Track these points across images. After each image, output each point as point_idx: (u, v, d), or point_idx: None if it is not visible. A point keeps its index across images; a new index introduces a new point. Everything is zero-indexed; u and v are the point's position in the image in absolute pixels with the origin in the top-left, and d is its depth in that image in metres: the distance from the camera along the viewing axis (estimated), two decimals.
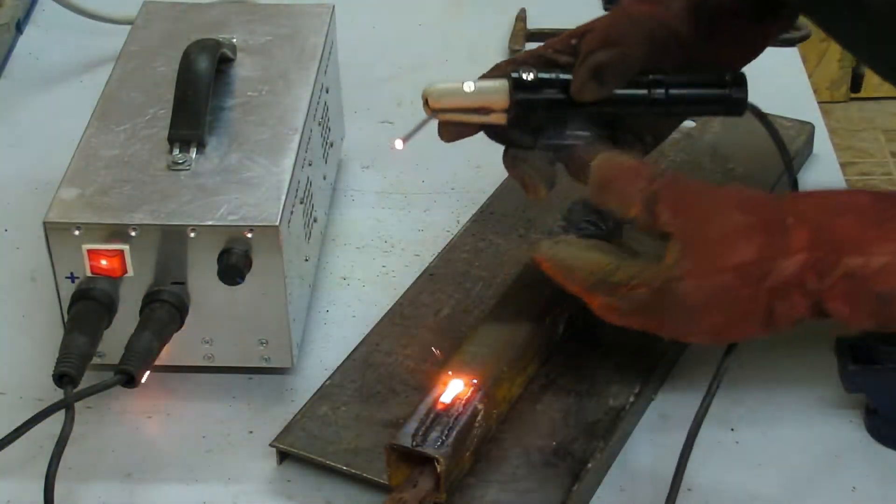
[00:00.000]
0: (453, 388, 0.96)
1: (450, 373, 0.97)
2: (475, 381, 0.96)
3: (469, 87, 1.03)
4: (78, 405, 0.99)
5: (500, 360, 0.98)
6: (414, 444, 0.91)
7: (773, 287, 0.84)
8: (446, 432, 0.92)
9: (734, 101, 1.02)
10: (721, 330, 0.88)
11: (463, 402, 0.95)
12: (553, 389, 1.03)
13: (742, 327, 0.87)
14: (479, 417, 0.94)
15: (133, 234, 1.00)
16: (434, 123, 1.05)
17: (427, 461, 0.92)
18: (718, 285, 0.84)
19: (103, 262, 1.00)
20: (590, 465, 0.97)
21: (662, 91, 1.02)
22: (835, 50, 3.04)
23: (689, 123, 1.29)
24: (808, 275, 0.84)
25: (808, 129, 1.29)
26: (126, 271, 1.01)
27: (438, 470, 0.90)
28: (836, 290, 0.85)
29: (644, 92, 1.02)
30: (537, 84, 1.02)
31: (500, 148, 1.26)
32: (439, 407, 0.94)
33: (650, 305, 0.87)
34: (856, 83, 3.11)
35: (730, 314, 0.85)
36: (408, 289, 1.13)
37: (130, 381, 0.99)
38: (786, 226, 0.85)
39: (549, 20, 1.51)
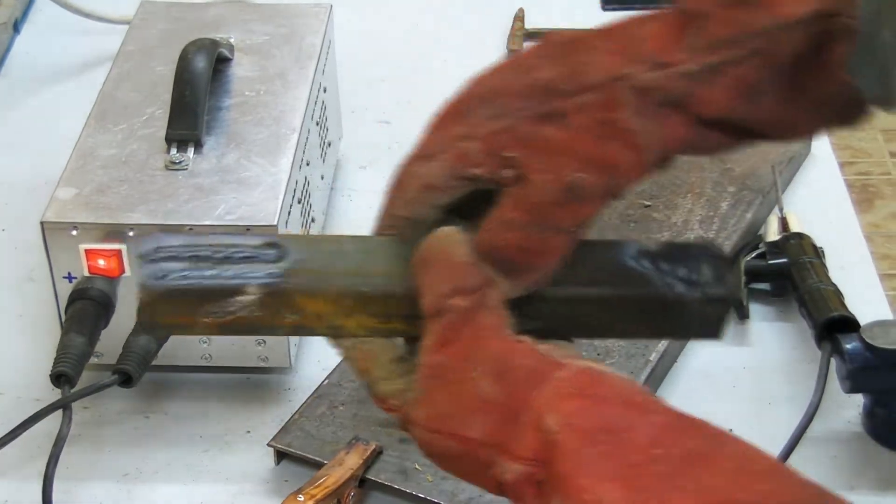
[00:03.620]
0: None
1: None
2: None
3: None
4: (75, 405, 0.99)
5: (340, 276, 0.74)
6: (142, 256, 0.72)
7: (498, 479, 0.69)
8: (188, 275, 0.72)
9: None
10: (460, 476, 0.74)
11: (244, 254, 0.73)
12: None
13: (479, 485, 0.72)
14: (244, 300, 0.72)
15: (130, 233, 1.00)
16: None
17: None
18: (445, 448, 0.70)
19: (101, 261, 1.00)
20: None
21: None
22: None
23: None
24: (526, 489, 0.68)
25: None
26: (123, 271, 1.01)
27: (138, 300, 0.71)
28: None
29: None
30: None
31: None
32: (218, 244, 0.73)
33: (399, 422, 0.74)
34: None
35: (461, 473, 0.73)
36: None
37: (128, 380, 0.99)
38: (518, 423, 0.68)
39: (547, 20, 1.50)
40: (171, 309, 0.71)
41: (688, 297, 0.73)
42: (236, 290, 0.71)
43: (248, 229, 0.99)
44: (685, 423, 0.66)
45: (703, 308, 0.73)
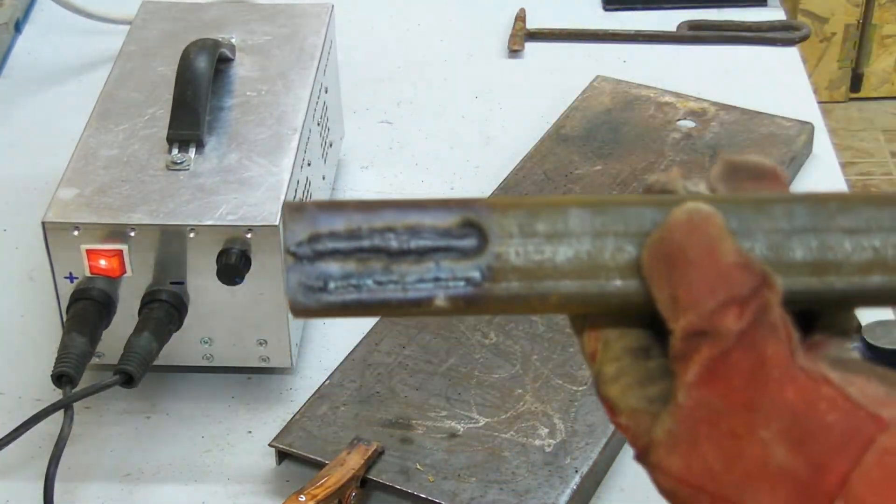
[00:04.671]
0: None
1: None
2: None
3: None
4: (77, 405, 0.99)
5: (563, 278, 0.56)
6: (293, 252, 0.54)
7: None
8: (357, 283, 0.54)
9: None
10: None
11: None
12: (553, 388, 1.03)
13: None
14: (430, 309, 0.55)
15: (132, 234, 1.00)
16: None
17: None
18: None
19: (102, 262, 1.00)
20: (589, 466, 0.97)
21: None
22: (834, 50, 3.04)
23: (688, 123, 1.29)
24: None
25: (808, 129, 1.29)
26: (125, 271, 1.01)
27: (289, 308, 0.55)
28: None
29: None
30: None
31: (500, 148, 1.27)
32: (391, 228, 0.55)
33: (633, 446, 0.58)
34: (855, 83, 3.11)
35: None
36: None
37: (129, 381, 0.99)
38: None
39: (548, 20, 1.50)
40: (335, 316, 0.55)
41: None
42: (419, 304, 0.54)
43: (249, 230, 0.99)
44: None
45: None
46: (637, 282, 0.54)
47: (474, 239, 0.54)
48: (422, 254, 0.54)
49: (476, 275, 0.54)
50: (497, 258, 0.54)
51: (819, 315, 0.56)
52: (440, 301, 0.54)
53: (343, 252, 0.53)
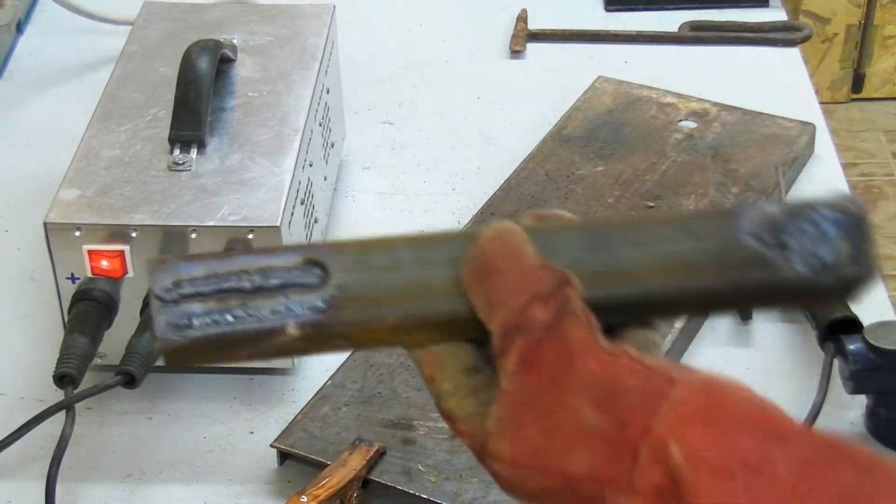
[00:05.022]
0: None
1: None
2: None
3: None
4: (78, 406, 0.99)
5: (397, 302, 0.64)
6: (159, 296, 0.61)
7: None
8: (217, 319, 0.61)
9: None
10: None
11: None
12: None
13: None
14: (284, 339, 0.62)
15: (134, 234, 1.00)
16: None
17: None
18: (536, 485, 0.62)
19: (104, 262, 1.00)
20: None
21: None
22: (836, 51, 3.04)
23: (689, 124, 1.29)
24: None
25: (809, 129, 1.29)
26: (127, 272, 1.01)
27: (159, 349, 0.61)
28: None
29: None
30: None
31: (501, 149, 1.27)
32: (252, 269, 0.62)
33: (471, 449, 0.65)
34: (857, 84, 3.11)
35: None
36: None
37: (131, 381, 0.99)
38: (638, 456, 0.59)
39: (550, 21, 1.50)
40: (201, 356, 0.61)
41: (819, 282, 0.62)
42: (273, 333, 0.60)
43: (251, 230, 0.99)
44: (833, 453, 0.57)
45: (834, 289, 0.63)
46: (460, 298, 0.62)
47: (317, 275, 0.61)
48: (273, 290, 0.61)
49: (320, 304, 0.61)
50: (338, 289, 0.61)
51: (623, 333, 0.63)
52: (291, 329, 0.60)
53: (203, 294, 0.60)
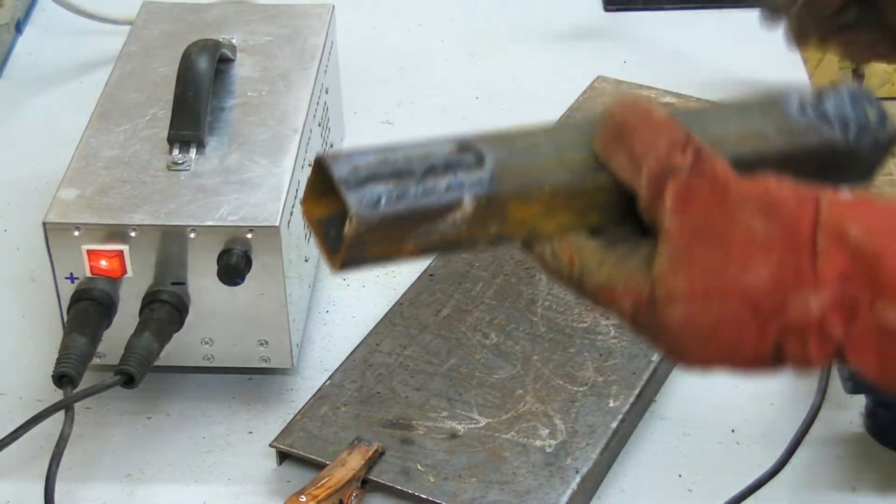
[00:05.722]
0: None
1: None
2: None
3: None
4: (78, 406, 0.99)
5: (548, 173, 0.69)
6: (345, 181, 0.65)
7: (787, 326, 0.64)
8: (401, 195, 0.65)
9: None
10: (714, 363, 0.67)
11: (454, 181, 0.66)
12: (553, 388, 1.03)
13: (740, 365, 0.67)
14: (458, 215, 0.66)
15: (133, 234, 1.00)
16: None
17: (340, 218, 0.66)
18: (713, 315, 0.64)
19: (103, 262, 1.00)
20: (590, 467, 0.97)
21: None
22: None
23: None
24: (832, 318, 0.64)
25: None
26: (126, 272, 1.01)
27: (346, 230, 0.65)
28: (864, 342, 0.65)
29: None
30: None
31: None
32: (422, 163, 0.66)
33: (636, 319, 0.67)
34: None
35: (725, 350, 0.66)
36: (408, 289, 1.13)
37: (130, 381, 0.99)
38: (816, 246, 0.64)
39: (549, 20, 1.50)
40: (383, 237, 0.65)
41: (860, 143, 0.73)
42: (453, 205, 0.65)
43: (250, 230, 0.99)
44: None
45: (871, 152, 0.74)
46: (599, 168, 0.68)
47: (473, 157, 0.66)
48: (440, 171, 0.65)
49: (487, 176, 0.66)
50: (496, 164, 0.66)
51: None
52: (467, 201, 0.65)
53: (383, 176, 0.65)
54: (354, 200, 0.64)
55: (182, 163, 1.05)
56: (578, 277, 0.68)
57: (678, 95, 1.32)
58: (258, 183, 1.03)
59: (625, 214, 0.68)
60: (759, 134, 0.71)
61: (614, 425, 1.00)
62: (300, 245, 1.07)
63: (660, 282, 0.65)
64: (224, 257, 0.99)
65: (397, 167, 0.65)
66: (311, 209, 0.67)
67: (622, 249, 0.68)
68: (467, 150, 0.67)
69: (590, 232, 0.69)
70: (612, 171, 0.67)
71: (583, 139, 0.68)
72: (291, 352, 1.05)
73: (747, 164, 0.69)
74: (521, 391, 1.03)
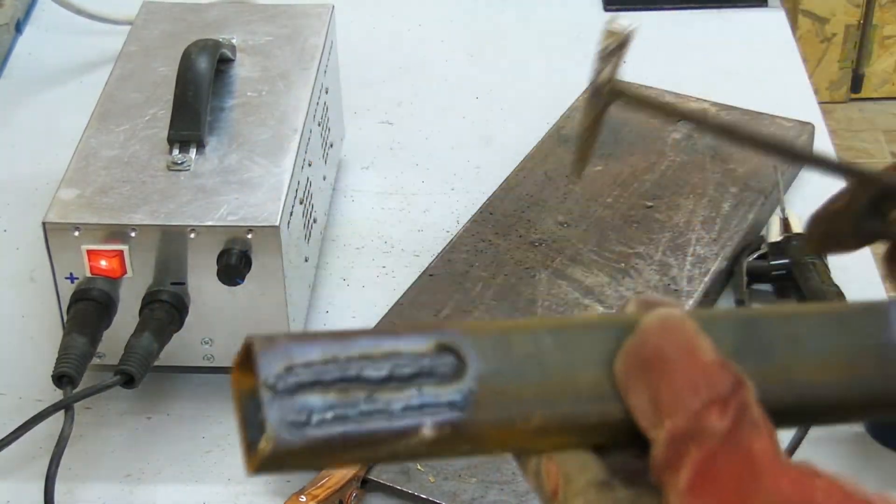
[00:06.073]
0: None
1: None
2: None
3: None
4: (77, 406, 0.99)
5: (544, 400, 0.54)
6: (270, 386, 0.49)
7: None
8: (340, 415, 0.50)
9: None
10: None
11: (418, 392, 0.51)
12: None
13: None
14: (414, 441, 0.51)
15: (132, 234, 1.00)
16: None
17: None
18: None
19: (103, 262, 1.00)
20: None
21: None
22: (835, 51, 3.04)
23: (688, 124, 1.29)
24: None
25: (808, 129, 1.29)
26: (125, 272, 1.01)
27: (260, 446, 0.50)
28: None
29: None
30: None
31: (500, 149, 1.26)
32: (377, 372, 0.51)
33: None
34: (856, 84, 3.11)
35: None
36: (408, 289, 1.13)
37: (130, 381, 0.99)
38: None
39: (549, 20, 1.50)
40: (310, 458, 0.50)
41: None
42: (405, 434, 0.50)
43: (250, 230, 0.99)
44: None
45: None
46: (613, 396, 0.53)
47: (452, 364, 0.51)
48: (403, 380, 0.50)
49: (459, 399, 0.51)
50: (477, 381, 0.51)
51: None
52: (427, 430, 0.50)
53: (323, 383, 0.49)
54: (275, 417, 0.48)
55: (182, 163, 1.05)
56: None
57: (678, 96, 1.32)
58: (258, 183, 1.03)
59: (636, 441, 0.53)
60: (848, 364, 0.55)
61: None
62: (300, 245, 1.07)
63: None
64: (224, 257, 0.99)
65: (347, 371, 0.50)
66: (239, 379, 0.51)
67: (618, 496, 0.54)
68: (447, 353, 0.51)
69: (590, 449, 0.54)
70: (627, 406, 0.53)
71: (602, 350, 0.53)
72: None
73: (826, 406, 0.55)
74: None
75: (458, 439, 0.51)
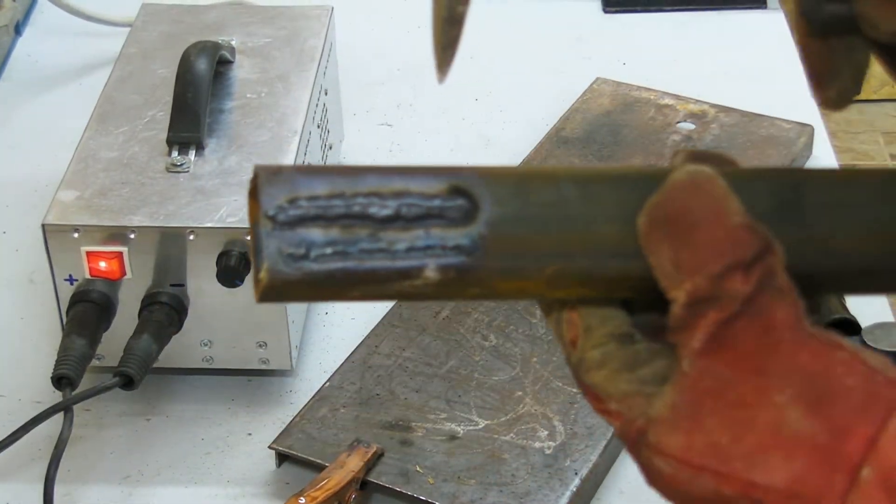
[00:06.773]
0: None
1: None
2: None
3: None
4: (77, 407, 0.99)
5: (560, 251, 0.51)
6: (270, 217, 0.49)
7: None
8: (341, 251, 0.49)
9: None
10: None
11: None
12: (552, 390, 1.03)
13: None
14: (419, 282, 0.50)
15: (132, 236, 1.00)
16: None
17: None
18: (699, 492, 0.51)
19: (102, 264, 1.00)
20: (589, 468, 0.97)
21: None
22: None
23: (688, 126, 1.29)
24: None
25: (808, 130, 1.29)
26: (125, 273, 1.01)
27: (259, 276, 0.49)
28: None
29: None
30: None
31: (500, 151, 1.26)
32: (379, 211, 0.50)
33: (622, 436, 0.54)
34: None
35: None
36: None
37: (129, 383, 0.99)
38: (858, 474, 0.48)
39: (548, 21, 1.50)
40: (310, 292, 0.49)
41: None
42: (407, 274, 0.49)
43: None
44: None
45: None
46: (634, 251, 0.51)
47: (463, 207, 0.50)
48: (410, 221, 0.49)
49: (467, 243, 0.49)
50: (488, 226, 0.50)
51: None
52: (430, 272, 0.49)
53: (326, 218, 0.48)
54: (272, 248, 0.48)
55: (181, 164, 1.05)
56: (576, 364, 0.54)
57: (677, 97, 1.32)
58: None
59: (661, 299, 0.52)
60: (889, 233, 0.53)
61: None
62: None
63: (654, 427, 0.51)
64: (223, 259, 0.99)
65: (352, 207, 0.49)
66: (253, 208, 0.51)
67: (637, 349, 0.53)
68: (459, 195, 0.50)
69: (615, 303, 0.53)
70: (649, 264, 0.51)
71: (629, 204, 0.51)
72: (290, 353, 1.05)
73: (862, 275, 0.53)
74: (520, 393, 1.03)
75: (464, 283, 0.49)
